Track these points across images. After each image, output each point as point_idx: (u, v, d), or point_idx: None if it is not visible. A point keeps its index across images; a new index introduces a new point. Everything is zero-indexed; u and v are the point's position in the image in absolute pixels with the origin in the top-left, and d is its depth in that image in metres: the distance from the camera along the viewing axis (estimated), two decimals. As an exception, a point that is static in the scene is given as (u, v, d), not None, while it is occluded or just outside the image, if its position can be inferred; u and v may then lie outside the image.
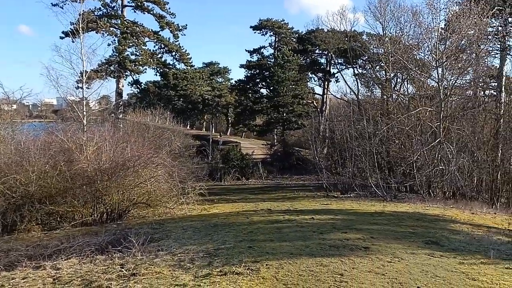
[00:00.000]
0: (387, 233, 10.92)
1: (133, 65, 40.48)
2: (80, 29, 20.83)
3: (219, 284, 6.75)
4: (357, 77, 37.47)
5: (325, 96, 43.23)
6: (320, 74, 45.43)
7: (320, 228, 11.43)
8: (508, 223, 13.44)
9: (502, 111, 23.50)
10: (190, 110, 46.69)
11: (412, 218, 13.52)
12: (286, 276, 7.14)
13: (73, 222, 13.31)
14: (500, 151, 22.39)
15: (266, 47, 47.45)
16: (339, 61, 43.36)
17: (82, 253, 8.83)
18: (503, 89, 24.46)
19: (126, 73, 41.88)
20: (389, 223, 12.63)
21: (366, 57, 34.49)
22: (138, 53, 41.52)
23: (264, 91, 44.73)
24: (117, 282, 6.94)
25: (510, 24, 25.71)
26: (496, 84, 26.79)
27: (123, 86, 41.97)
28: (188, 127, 52.75)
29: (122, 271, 7.54)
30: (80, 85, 26.42)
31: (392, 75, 28.77)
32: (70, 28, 26.93)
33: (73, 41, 25.87)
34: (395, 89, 29.13)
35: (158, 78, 47.17)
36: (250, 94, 44.24)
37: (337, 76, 44.78)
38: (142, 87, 46.48)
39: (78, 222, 13.42)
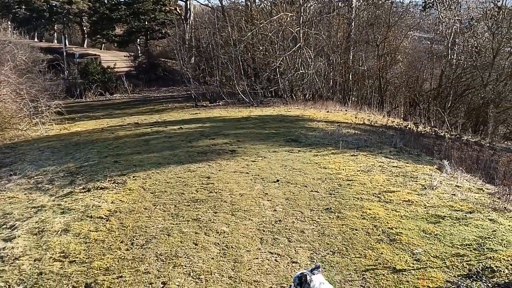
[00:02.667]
0: (253, 136, 11.50)
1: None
2: None
3: (82, 200, 6.48)
4: (220, -19, 36.10)
5: (188, 2, 41.04)
6: (182, -22, 42.68)
7: (188, 137, 11.52)
8: (356, 117, 15.14)
9: (353, 16, 25.17)
10: (35, 19, 40.56)
11: (276, 120, 14.37)
12: (153, 185, 7.15)
13: None
14: (351, 54, 24.39)
15: None
16: (202, -36, 41.04)
17: None
18: (354, -6, 25.98)
19: None
20: (254, 126, 13.26)
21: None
22: None
23: (121, -4, 40.65)
24: (-40, 214, 6.20)
25: None
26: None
27: None
28: (35, 39, 46.24)
29: (-34, 202, 6.75)
30: None
31: (254, -21, 28.33)
32: None
33: None
34: (258, -6, 28.93)
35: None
36: (105, 1, 39.85)
37: (200, -19, 42.64)
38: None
39: None
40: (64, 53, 31.27)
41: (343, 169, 7.92)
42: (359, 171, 7.81)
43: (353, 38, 24.49)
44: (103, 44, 45.91)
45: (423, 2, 28.45)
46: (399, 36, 25.15)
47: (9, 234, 5.38)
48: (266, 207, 6.05)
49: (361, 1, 26.33)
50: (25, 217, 5.94)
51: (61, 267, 4.54)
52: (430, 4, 27.26)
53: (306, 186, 6.95)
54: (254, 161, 8.63)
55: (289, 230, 5.30)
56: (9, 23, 34.71)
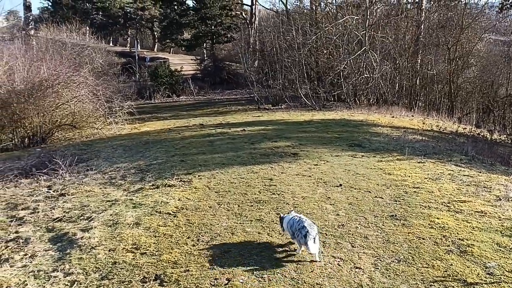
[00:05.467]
0: (315, 140, 11.45)
1: (40, -26, 36.01)
2: None
3: (152, 196, 6.82)
4: (286, -14, 36.30)
5: (254, 7, 41.73)
6: (248, -17, 43.46)
7: (251, 139, 11.70)
8: (423, 123, 14.57)
9: (422, 18, 24.23)
10: (111, 25, 43.30)
11: (338, 125, 14.20)
12: (218, 185, 7.35)
13: (-9, 149, 12.45)
14: (420, 57, 23.50)
15: (188, -48, 43.76)
16: (267, -31, 41.52)
17: (5, 178, 8.40)
18: (424, -4, 24.98)
19: (33, -16, 37.32)
20: (317, 130, 13.20)
21: (295, -36, 33.28)
22: (44, -40, 36.80)
23: (190, 2, 42.28)
24: (45, 203, 6.77)
25: None
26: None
27: (31, -2, 37.56)
28: (111, 44, 49.26)
29: (50, 192, 7.35)
30: (-22, -3, 23.38)
31: (320, -18, 28.20)
32: None
33: None
34: (323, -3, 28.77)
35: (71, -11, 42.75)
36: (175, 7, 41.53)
37: (266, -15, 43.19)
38: (54, -1, 42.02)
39: (-3, 148, 12.58)
40: (136, 57, 33.02)
41: (409, 176, 7.67)
42: (426, 178, 7.52)
43: (422, 41, 23.61)
44: (171, 48, 47.91)
45: (500, 3, 26.70)
46: (473, 39, 23.85)
47: (86, 225, 5.78)
48: (329, 211, 6.02)
49: (432, 3, 25.30)
50: (100, 210, 6.36)
51: (133, 258, 4.82)
52: (508, 5, 25.50)
53: (369, 192, 6.82)
54: (317, 165, 8.60)
55: (352, 235, 5.23)
56: (88, 28, 37.25)
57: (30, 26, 34.36)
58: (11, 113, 13.05)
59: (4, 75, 13.95)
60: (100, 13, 41.53)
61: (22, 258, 4.94)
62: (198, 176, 7.98)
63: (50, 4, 42.97)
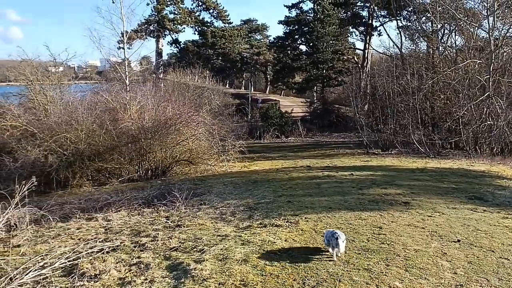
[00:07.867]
0: (429, 189, 10.79)
1: (172, 24, 40.69)
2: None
3: (259, 235, 7.00)
4: (401, 29, 35.78)
5: (366, 51, 41.71)
6: (361, 28, 43.68)
7: (359, 184, 11.44)
8: (559, 179, 12.85)
9: (559, 62, 21.85)
10: (228, 68, 46.70)
11: (456, 174, 13.22)
12: (324, 228, 7.27)
13: (120, 178, 13.98)
14: (556, 105, 21.06)
15: (305, 1, 45.28)
16: (382, 14, 41.45)
17: (130, 206, 9.34)
18: (561, 38, 22.56)
19: (165, 33, 42.21)
20: (431, 179, 12.43)
21: (411, 8, 32.80)
22: (176, 12, 41.61)
23: (303, 47, 43.70)
24: (163, 232, 7.34)
25: None
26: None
27: (162, 46, 42.44)
28: (227, 86, 52.86)
29: (168, 222, 7.96)
30: (121, 45, 26.99)
31: (439, 26, 27.25)
32: (110, -12, 27.34)
33: (113, 2, 26.34)
34: (442, 41, 27.69)
35: (196, 37, 47.43)
36: (289, 51, 43.36)
37: (379, 30, 42.96)
38: (181, 46, 46.75)
39: (125, 178, 14.08)
40: (249, 98, 34.89)
41: (542, 238, 6.79)
42: None
43: (558, 86, 21.18)
44: (283, 91, 49.74)
45: None
46: None
47: (199, 257, 6.13)
48: (445, 268, 5.58)
49: None
50: (211, 244, 6.70)
51: (241, 294, 4.97)
52: None
53: (493, 251, 6.18)
54: (431, 216, 8.07)
55: (472, 297, 4.77)
56: (208, 72, 40.63)
57: (160, 70, 38.65)
58: (139, 147, 14.60)
59: (136, 113, 15.77)
60: (220, 58, 45.07)
61: (142, 282, 5.38)
62: (305, 218, 8.00)
63: (177, 50, 47.93)
